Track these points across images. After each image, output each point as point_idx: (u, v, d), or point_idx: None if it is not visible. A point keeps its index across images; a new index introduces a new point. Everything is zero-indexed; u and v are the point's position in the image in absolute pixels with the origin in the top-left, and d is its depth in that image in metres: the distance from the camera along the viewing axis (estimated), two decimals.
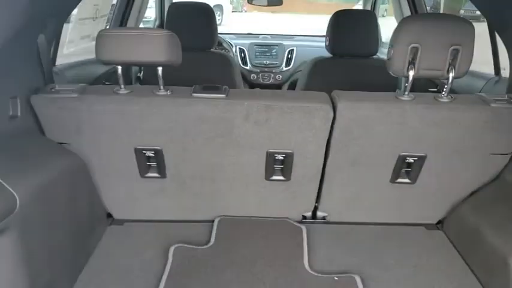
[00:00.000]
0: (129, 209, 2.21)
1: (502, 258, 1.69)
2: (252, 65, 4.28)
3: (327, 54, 2.98)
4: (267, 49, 4.38)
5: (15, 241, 1.39)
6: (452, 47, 1.73)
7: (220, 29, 3.25)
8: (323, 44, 3.12)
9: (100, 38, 1.73)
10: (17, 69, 1.71)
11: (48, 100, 1.81)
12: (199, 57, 2.88)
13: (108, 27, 3.27)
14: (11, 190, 1.39)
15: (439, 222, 2.26)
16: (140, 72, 3.34)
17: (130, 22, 3.35)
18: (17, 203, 1.39)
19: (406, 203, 2.17)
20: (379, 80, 2.67)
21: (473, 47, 1.74)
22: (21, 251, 1.42)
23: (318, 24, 4.97)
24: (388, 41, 1.87)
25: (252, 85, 4.29)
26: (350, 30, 2.85)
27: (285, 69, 4.28)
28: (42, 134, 1.90)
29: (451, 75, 1.77)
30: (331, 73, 2.93)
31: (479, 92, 2.42)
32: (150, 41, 1.71)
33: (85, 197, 1.98)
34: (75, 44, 2.93)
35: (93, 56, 2.84)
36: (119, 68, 1.82)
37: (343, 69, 2.92)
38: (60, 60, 2.40)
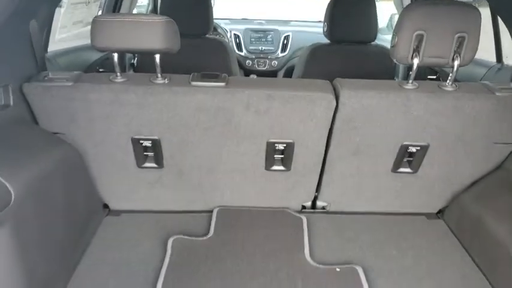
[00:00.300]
0: (126, 199, 2.16)
1: (504, 249, 1.68)
2: (248, 51, 4.22)
3: (324, 40, 2.92)
4: (262, 35, 4.31)
5: (10, 236, 1.35)
6: (457, 34, 1.69)
7: None
8: (319, 30, 3.06)
9: (95, 24, 1.66)
10: (8, 56, 1.65)
11: (41, 88, 1.75)
12: (195, 44, 2.81)
13: (100, 12, 3.17)
14: (5, 183, 1.34)
15: (440, 211, 2.25)
16: (134, 59, 3.27)
17: (124, 7, 3.26)
18: (12, 196, 1.35)
19: (407, 193, 2.15)
20: (377, 67, 2.63)
21: (479, 35, 1.70)
22: (16, 246, 1.38)
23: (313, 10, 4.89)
24: (384, 27, 1.82)
25: (247, 71, 4.23)
26: (349, 16, 2.79)
27: (280, 55, 4.23)
28: (36, 123, 1.84)
29: (456, 63, 1.73)
30: (329, 60, 2.87)
31: (481, 79, 2.39)
32: (148, 28, 1.65)
33: (81, 188, 1.94)
34: (68, 29, 2.84)
35: (86, 41, 2.78)
36: (115, 55, 1.75)
37: (342, 56, 2.87)
38: (52, 47, 2.33)
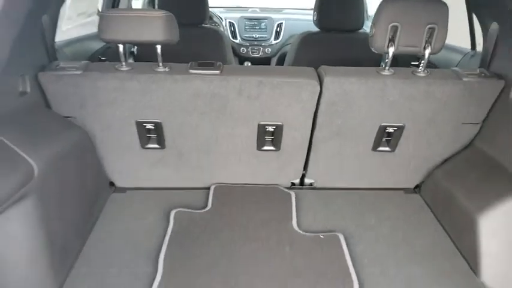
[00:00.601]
0: (130, 178, 2.37)
1: (470, 217, 1.89)
2: (242, 38, 4.39)
3: (315, 27, 3.10)
4: (256, 23, 4.47)
5: (34, 206, 1.55)
6: (428, 26, 1.88)
7: None
8: (311, 18, 3.24)
9: (103, 19, 1.84)
10: (24, 49, 1.82)
11: (54, 77, 1.94)
12: (192, 33, 2.99)
13: (101, 1, 3.33)
14: (30, 160, 1.54)
15: (417, 186, 2.47)
16: (134, 47, 3.44)
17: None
18: (35, 172, 1.55)
19: (386, 170, 2.36)
20: (364, 54, 2.81)
21: (447, 26, 1.89)
22: (39, 215, 1.58)
23: None
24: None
25: (242, 58, 4.41)
26: (337, 5, 2.97)
27: (274, 42, 4.40)
28: (49, 108, 2.03)
29: (427, 51, 1.92)
30: (318, 47, 3.06)
31: (456, 65, 2.58)
32: (150, 22, 1.83)
33: (90, 167, 2.14)
34: (73, 20, 3.02)
35: (89, 31, 2.96)
36: (121, 46, 1.94)
37: (330, 43, 3.05)
38: (59, 37, 2.50)
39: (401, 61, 2.64)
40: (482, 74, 2.05)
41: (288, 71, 2.16)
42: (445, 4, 1.87)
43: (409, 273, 1.83)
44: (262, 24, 4.46)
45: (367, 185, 2.42)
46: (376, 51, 1.99)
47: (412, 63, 3.10)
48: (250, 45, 4.40)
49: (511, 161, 1.93)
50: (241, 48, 4.38)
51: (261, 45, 4.39)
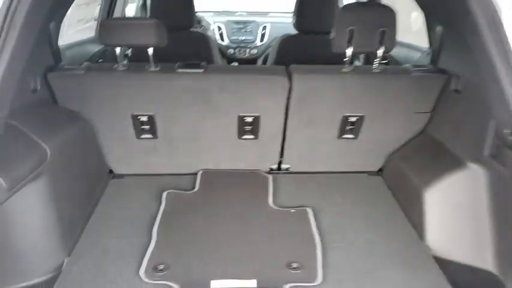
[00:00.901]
0: (127, 165, 2.67)
1: (417, 191, 2.20)
2: (229, 40, 4.71)
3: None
4: (242, 26, 4.80)
5: (47, 184, 1.86)
6: (380, 29, 2.20)
7: None
8: None
9: (104, 26, 2.17)
10: (36, 51, 2.12)
11: (61, 76, 2.25)
12: (181, 37, 3.29)
13: (99, 7, 3.63)
14: (43, 145, 1.85)
15: (380, 170, 2.79)
16: (128, 49, 3.75)
17: (119, 4, 3.74)
18: (48, 155, 1.85)
19: (351, 155, 2.68)
20: (338, 54, 3.15)
21: (396, 29, 2.21)
22: (51, 192, 1.88)
23: None
24: None
25: (230, 59, 4.72)
26: (313, 9, 3.28)
27: (259, 44, 4.73)
28: (56, 103, 2.34)
29: (379, 51, 2.25)
30: (296, 49, 3.37)
31: (415, 62, 2.91)
32: (142, 28, 2.16)
33: (92, 154, 2.45)
34: (73, 27, 3.34)
35: (87, 36, 3.26)
36: (118, 49, 2.26)
37: (307, 45, 3.36)
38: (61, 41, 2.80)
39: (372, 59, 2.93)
40: (429, 70, 2.38)
41: (262, 69, 2.49)
42: (392, 10, 2.20)
43: (365, 239, 2.14)
44: (248, 27, 4.78)
45: (336, 169, 2.74)
46: (336, 51, 2.30)
47: (384, 61, 3.44)
48: (237, 47, 4.72)
49: (453, 144, 2.24)
50: (229, 50, 4.70)
51: (247, 47, 4.72)
